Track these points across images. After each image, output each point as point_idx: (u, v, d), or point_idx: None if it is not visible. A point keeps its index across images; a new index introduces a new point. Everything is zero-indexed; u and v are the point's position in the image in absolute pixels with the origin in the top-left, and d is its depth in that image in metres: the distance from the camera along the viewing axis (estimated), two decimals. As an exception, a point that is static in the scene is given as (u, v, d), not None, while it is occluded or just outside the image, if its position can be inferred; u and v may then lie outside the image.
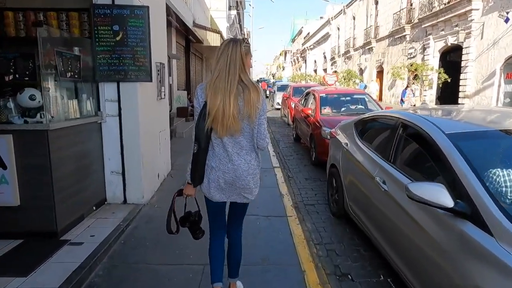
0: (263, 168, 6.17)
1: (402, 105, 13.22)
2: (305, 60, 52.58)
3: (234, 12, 22.06)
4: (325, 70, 41.47)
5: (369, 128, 3.98)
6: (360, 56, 29.39)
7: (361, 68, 28.58)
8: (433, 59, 18.00)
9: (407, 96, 13.40)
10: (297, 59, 59.86)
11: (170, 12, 9.21)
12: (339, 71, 33.00)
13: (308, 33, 50.62)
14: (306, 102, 8.44)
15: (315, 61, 46.90)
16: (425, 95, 18.62)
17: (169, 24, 10.34)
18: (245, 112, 1.99)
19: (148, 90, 4.32)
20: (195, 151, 2.06)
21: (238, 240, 2.41)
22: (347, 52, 32.18)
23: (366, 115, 4.22)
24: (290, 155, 7.99)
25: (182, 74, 12.98)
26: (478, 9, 14.30)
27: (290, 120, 12.75)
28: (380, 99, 24.83)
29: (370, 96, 8.02)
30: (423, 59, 18.87)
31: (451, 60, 17.94)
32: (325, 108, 7.37)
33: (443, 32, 16.96)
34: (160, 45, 4.89)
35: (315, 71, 44.91)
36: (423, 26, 18.42)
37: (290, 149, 8.65)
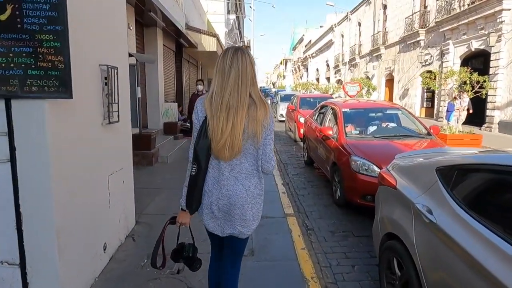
0: (272, 218, 4.05)
1: (449, 122, 11.01)
2: (307, 69, 51.07)
3: (233, 16, 20.47)
4: (328, 78, 39.87)
5: (480, 185, 2.14)
6: (367, 64, 27.75)
7: (368, 77, 26.87)
8: (453, 66, 16.26)
9: (456, 110, 10.95)
10: (298, 67, 58.39)
11: (153, 7, 7.47)
12: (347, 79, 31.34)
13: (310, 41, 49.18)
14: (323, 118, 6.62)
15: (317, 70, 45.37)
16: (444, 106, 16.82)
17: (152, 23, 8.60)
18: (250, 130, 1.74)
19: (77, 111, 2.50)
20: (193, 173, 1.79)
21: (234, 278, 2.03)
22: (352, 59, 30.58)
23: (464, 158, 2.37)
24: (303, 187, 6.13)
25: (171, 83, 11.20)
26: (509, 9, 12.60)
27: (297, 135, 10.96)
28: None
29: (407, 111, 6.19)
30: (441, 66, 17.15)
31: (473, 67, 16.20)
32: (350, 128, 5.55)
33: (465, 36, 15.26)
34: (109, 35, 3.10)
35: (318, 79, 43.33)
36: (440, 30, 16.76)
37: (302, 177, 6.80)
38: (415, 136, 5.38)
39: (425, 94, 19.90)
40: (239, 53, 1.76)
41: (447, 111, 11.55)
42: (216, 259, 2.11)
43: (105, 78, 2.92)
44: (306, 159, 7.72)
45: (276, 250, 3.51)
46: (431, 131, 5.51)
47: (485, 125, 13.70)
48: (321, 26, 46.97)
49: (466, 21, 14.72)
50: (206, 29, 14.45)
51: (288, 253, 3.49)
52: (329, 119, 6.41)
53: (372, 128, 5.68)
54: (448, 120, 11.15)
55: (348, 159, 4.74)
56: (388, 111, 5.99)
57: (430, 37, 18.33)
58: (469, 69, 9.87)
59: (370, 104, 6.46)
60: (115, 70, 3.06)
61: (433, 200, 2.29)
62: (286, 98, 17.10)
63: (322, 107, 7.26)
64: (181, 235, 1.97)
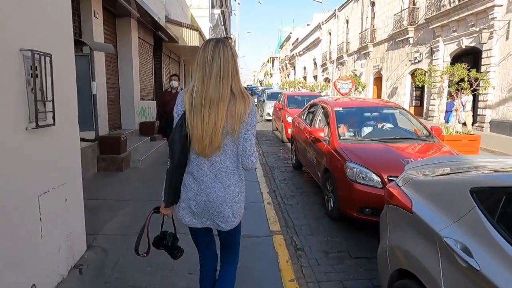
0: (255, 238, 3.80)
1: (448, 123, 10.35)
2: (294, 67, 50.65)
3: (218, 11, 19.68)
4: (315, 77, 39.48)
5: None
6: (354, 62, 27.38)
7: (356, 75, 26.50)
8: (443, 64, 15.91)
9: (454, 109, 10.32)
10: (286, 65, 57.92)
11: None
12: (335, 77, 30.95)
13: (297, 39, 48.72)
14: (313, 118, 5.99)
15: (304, 68, 44.96)
16: (433, 104, 16.50)
17: (126, 13, 7.81)
18: (228, 126, 1.67)
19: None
20: (168, 167, 1.75)
21: (228, 276, 1.98)
22: (340, 57, 30.18)
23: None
24: (291, 195, 5.49)
25: (149, 80, 10.40)
26: (501, 5, 12.26)
27: (285, 136, 10.34)
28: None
29: (405, 110, 5.61)
30: (430, 63, 16.79)
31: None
32: (343, 129, 4.93)
33: (455, 34, 14.92)
34: (37, 10, 2.36)
35: (305, 78, 42.91)
36: (430, 27, 16.40)
37: (290, 183, 6.17)
38: (416, 139, 4.80)
39: (414, 92, 19.58)
40: (220, 45, 1.67)
41: (446, 111, 10.99)
42: (207, 260, 2.03)
43: (30, 68, 2.19)
44: (294, 162, 7.09)
45: (258, 284, 2.84)
46: (433, 132, 4.94)
47: (476, 124, 13.37)
48: (308, 25, 46.53)
49: (456, 17, 14.36)
50: (190, 24, 13.66)
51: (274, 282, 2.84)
52: (320, 119, 5.78)
53: (367, 130, 5.08)
54: (447, 121, 10.57)
55: (343, 166, 4.11)
56: (384, 111, 5.40)
57: (419, 35, 17.98)
58: (466, 65, 9.39)
59: (364, 103, 5.85)
60: (48, 58, 2.33)
61: (471, 235, 1.66)
62: (273, 96, 16.46)
63: (311, 106, 6.63)
64: (166, 224, 1.98)
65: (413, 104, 19.68)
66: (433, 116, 16.49)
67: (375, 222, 3.86)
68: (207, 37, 17.58)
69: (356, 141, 4.62)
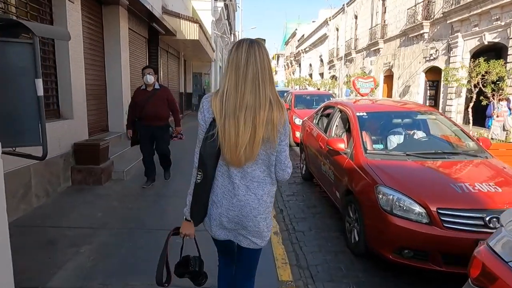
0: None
1: (489, 127, 9.22)
2: (300, 64, 49.52)
3: (221, 4, 18.68)
4: (321, 74, 38.37)
5: None
6: (363, 59, 26.25)
7: (364, 72, 25.40)
8: (463, 62, 14.80)
9: (501, 112, 8.96)
10: (291, 62, 56.79)
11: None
12: (342, 75, 29.84)
13: (303, 35, 47.55)
14: (328, 123, 4.99)
15: (310, 65, 43.83)
16: (451, 105, 15.41)
17: (113, 0, 6.86)
18: (265, 134, 1.54)
19: None
20: (198, 181, 1.59)
21: None
22: (348, 54, 29.04)
23: None
24: (302, 217, 4.52)
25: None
26: (532, -3, 11.14)
27: (292, 139, 9.37)
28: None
29: (445, 117, 4.58)
30: (447, 61, 15.69)
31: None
32: (369, 140, 3.93)
33: (477, 28, 13.80)
34: None
35: (311, 75, 41.80)
36: (448, 22, 15.27)
37: (299, 200, 5.20)
38: (463, 154, 3.79)
39: (428, 91, 18.47)
40: (255, 46, 1.53)
41: (487, 117, 9.76)
42: (226, 265, 1.92)
43: None
44: (304, 172, 6.11)
45: None
46: (480, 143, 3.95)
47: None
48: (313, 21, 45.33)
49: (478, 11, 13.24)
50: (190, 16, 12.68)
51: None
52: (337, 125, 4.80)
53: (397, 140, 4.08)
54: (488, 127, 9.35)
55: (373, 191, 3.13)
56: (420, 116, 4.39)
57: (436, 30, 16.85)
58: (502, 61, 8.33)
59: (393, 106, 4.79)
60: None
61: None
62: (279, 95, 15.46)
63: (325, 108, 5.64)
64: (185, 247, 1.79)
65: (427, 104, 18.56)
66: (450, 117, 15.38)
67: (420, 268, 2.91)
68: (209, 31, 16.60)
69: (387, 156, 3.62)
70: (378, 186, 3.12)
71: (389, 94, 22.08)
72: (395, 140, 4.10)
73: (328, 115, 5.44)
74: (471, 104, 9.28)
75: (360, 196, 3.35)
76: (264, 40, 1.72)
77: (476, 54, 14.54)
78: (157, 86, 5.00)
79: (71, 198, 4.58)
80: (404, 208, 2.94)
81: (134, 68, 8.47)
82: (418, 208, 2.89)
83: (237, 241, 1.71)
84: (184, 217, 1.68)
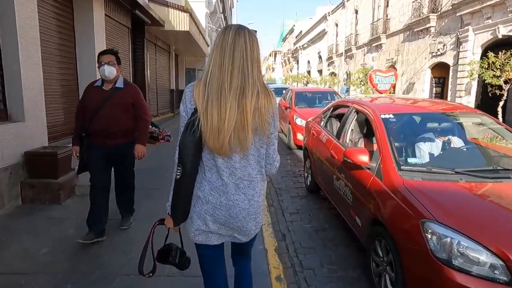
0: None
1: None
2: (297, 61, 48.56)
3: (215, -4, 17.66)
4: (320, 71, 37.43)
5: None
6: (364, 55, 25.29)
7: (366, 68, 24.47)
8: (472, 57, 13.88)
9: None
10: (288, 59, 55.81)
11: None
12: (342, 72, 28.92)
13: (301, 32, 46.53)
14: (342, 127, 4.01)
15: (308, 62, 42.83)
16: (460, 103, 14.47)
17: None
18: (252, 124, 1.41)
19: None
20: (178, 176, 1.47)
21: (245, 269, 1.83)
22: (348, 50, 28.06)
23: None
24: (311, 246, 3.54)
25: (125, 71, 8.41)
26: (553, -15, 10.21)
27: (292, 141, 8.44)
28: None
29: (492, 119, 3.59)
30: (456, 56, 14.77)
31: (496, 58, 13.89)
32: (401, 151, 2.96)
33: (489, 21, 12.86)
34: None
35: (309, 72, 40.85)
36: (457, 15, 14.32)
37: (305, 220, 4.24)
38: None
39: (434, 89, 17.56)
40: (244, 30, 1.42)
41: None
42: (218, 279, 1.73)
43: None
44: (309, 183, 5.14)
45: None
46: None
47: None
48: (310, 18, 44.29)
49: (492, 2, 12.30)
50: (180, 5, 11.64)
51: None
52: (352, 129, 3.84)
53: (434, 150, 3.12)
54: None
55: (419, 228, 2.17)
56: (461, 119, 3.41)
57: (443, 23, 15.90)
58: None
59: (425, 107, 3.77)
60: None
61: None
62: (277, 92, 14.46)
63: (335, 107, 4.68)
64: (170, 236, 1.68)
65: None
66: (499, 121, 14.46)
67: None
68: (203, 24, 15.57)
69: (431, 175, 2.65)
70: (426, 222, 2.16)
71: (393, 91, 21.15)
72: (426, 149, 3.13)
73: (338, 117, 4.49)
74: (501, 103, 8.28)
75: (396, 233, 2.38)
76: (255, 31, 1.50)
77: (488, 49, 13.65)
78: (120, 84, 3.21)
79: (15, 224, 3.58)
80: (469, 257, 1.99)
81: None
82: (491, 259, 1.94)
83: (221, 241, 1.59)
84: (167, 212, 1.58)
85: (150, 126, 9.13)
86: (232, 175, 1.45)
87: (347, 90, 26.11)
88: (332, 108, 4.72)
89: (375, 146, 3.74)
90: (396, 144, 2.95)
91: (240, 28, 1.42)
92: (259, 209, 1.55)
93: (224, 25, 28.06)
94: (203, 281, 1.71)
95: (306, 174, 5.32)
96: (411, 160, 2.81)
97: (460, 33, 14.39)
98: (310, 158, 4.94)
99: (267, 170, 1.55)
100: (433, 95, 17.63)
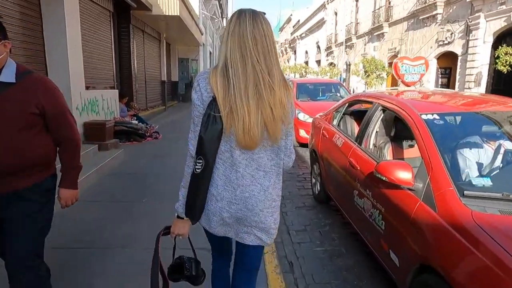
0: None
1: None
2: (295, 51, 47.51)
3: (210, -19, 16.62)
4: (318, 61, 36.48)
5: None
6: (365, 45, 24.38)
7: (366, 59, 23.60)
8: (484, 45, 13.09)
9: None
10: (285, 49, 54.68)
11: None
12: (341, 62, 28.00)
13: (298, 21, 45.36)
14: (365, 129, 3.17)
15: (306, 52, 41.82)
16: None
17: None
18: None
19: None
20: (198, 170, 1.33)
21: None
22: (348, 39, 27.10)
23: None
24: (326, 282, 2.78)
25: (107, 61, 7.50)
26: None
27: (295, 139, 7.67)
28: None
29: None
30: (465, 45, 13.94)
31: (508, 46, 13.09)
32: (460, 167, 2.16)
33: (503, 7, 12.01)
34: None
35: (306, 62, 39.86)
36: (467, 0, 13.45)
37: (315, 242, 3.46)
38: None
39: (440, 79, 16.77)
40: (260, 18, 1.34)
41: None
42: (221, 266, 1.73)
43: None
44: (317, 192, 4.35)
45: None
46: None
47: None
48: (307, 8, 43.10)
49: (506, -15, 11.45)
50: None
51: None
52: (377, 131, 3.04)
53: (493, 161, 2.31)
54: None
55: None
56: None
57: (451, 10, 15.03)
58: None
59: (479, 103, 2.85)
60: None
61: None
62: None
63: (351, 103, 3.86)
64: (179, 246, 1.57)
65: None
66: None
67: None
68: (196, 11, 14.58)
69: (508, 205, 1.84)
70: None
71: (394, 83, 20.33)
72: (490, 163, 2.31)
73: (357, 115, 3.69)
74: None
75: (465, 294, 1.59)
76: (264, 13, 1.40)
77: (500, 37, 12.84)
78: (8, 75, 1.62)
79: None
80: None
81: (90, 49, 6.58)
82: None
83: (239, 238, 1.50)
84: (176, 214, 1.45)
85: (137, 122, 8.26)
86: (249, 166, 1.38)
87: (344, 80, 25.26)
88: (347, 104, 3.90)
89: (408, 153, 2.95)
90: (450, 156, 2.15)
91: (255, 15, 1.34)
92: (275, 203, 1.48)
93: (220, 13, 26.97)
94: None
95: (313, 181, 4.52)
96: (476, 181, 2.01)
97: (470, 20, 13.53)
98: (320, 164, 4.13)
99: (285, 162, 1.49)
100: (439, 86, 16.84)
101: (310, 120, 7.58)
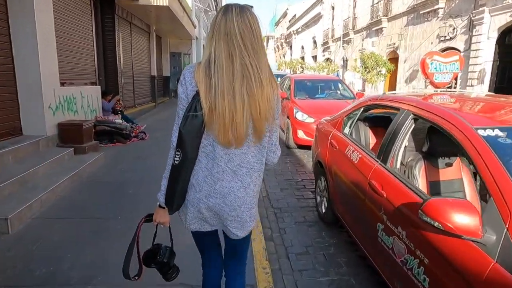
0: None
1: None
2: (291, 46, 46.79)
3: (203, -29, 15.83)
4: (314, 57, 35.85)
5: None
6: (363, 40, 23.79)
7: (365, 54, 23.01)
8: (487, 41, 12.56)
9: None
10: (281, 44, 53.89)
11: None
12: (338, 57, 27.41)
13: (295, 15, 44.60)
14: (390, 141, 2.55)
15: (302, 47, 41.12)
16: (471, 92, 13.19)
17: None
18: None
19: None
20: (176, 162, 1.37)
21: (239, 282, 1.72)
22: (345, 35, 26.46)
23: None
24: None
25: (88, 55, 6.76)
26: None
27: (292, 140, 7.09)
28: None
29: None
30: (468, 41, 13.41)
31: (510, 43, 12.59)
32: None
33: (509, 1, 11.46)
34: None
35: (303, 58, 39.17)
36: (472, -6, 12.91)
37: (319, 264, 2.91)
38: None
39: (441, 77, 16.25)
40: (247, 13, 1.32)
41: None
42: (211, 267, 1.72)
43: None
44: (324, 210, 3.73)
45: None
46: None
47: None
48: (303, 2, 42.30)
49: (515, -21, 10.90)
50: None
51: None
52: (405, 146, 2.44)
53: None
54: None
55: None
56: None
57: (453, 5, 14.46)
58: None
59: None
60: None
61: None
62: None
63: (366, 107, 3.25)
64: (160, 236, 1.59)
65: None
66: None
67: None
68: (189, 3, 13.81)
69: None
70: None
71: (393, 80, 19.81)
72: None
73: (375, 122, 3.08)
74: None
75: None
76: (252, 7, 1.37)
77: (505, 32, 12.33)
78: None
79: None
80: None
81: (68, 41, 5.87)
82: None
83: (214, 226, 1.52)
84: (158, 203, 1.47)
85: (121, 121, 7.56)
86: (231, 161, 1.39)
87: (338, 76, 24.69)
88: (362, 109, 3.27)
89: (445, 174, 2.36)
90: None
91: (243, 11, 1.31)
92: (254, 199, 1.49)
93: (214, 5, 26.11)
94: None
95: (318, 198, 3.91)
96: None
97: (474, 15, 12.98)
98: (327, 178, 3.52)
99: (269, 158, 1.51)
100: (439, 83, 16.36)
101: (308, 120, 6.99)
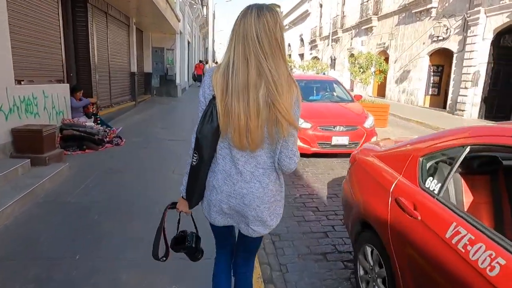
0: None
1: None
2: (277, 44, 46.06)
3: (188, -38, 14.94)
4: (301, 55, 35.41)
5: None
6: (352, 39, 23.39)
7: (353, 54, 22.59)
8: (482, 43, 12.24)
9: None
10: (267, 42, 53.15)
11: None
12: (326, 56, 26.91)
13: (282, 12, 43.88)
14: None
15: (289, 45, 40.62)
16: (465, 95, 12.87)
17: None
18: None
19: None
20: (194, 163, 1.43)
21: (246, 284, 1.76)
22: (334, 33, 26.02)
23: None
24: None
25: (53, 48, 5.85)
26: None
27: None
28: (383, 95, 19.05)
29: None
30: (462, 42, 13.07)
31: (505, 45, 12.34)
32: None
33: (506, 1, 11.13)
34: None
35: (289, 56, 38.63)
36: (467, -7, 12.55)
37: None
38: None
39: (432, 77, 15.95)
40: (266, 14, 1.27)
41: None
42: (222, 260, 1.77)
43: None
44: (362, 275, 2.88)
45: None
46: None
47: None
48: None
49: (512, -22, 10.56)
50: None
51: None
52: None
53: None
54: None
55: None
56: None
57: (447, 4, 14.10)
58: None
59: None
60: None
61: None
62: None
63: (474, 147, 1.78)
64: (183, 222, 1.66)
65: (430, 93, 16.07)
66: (463, 110, 12.89)
67: None
68: (172, -6, 12.90)
69: None
70: None
71: (383, 81, 19.43)
72: None
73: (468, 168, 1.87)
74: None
75: None
76: (279, 6, 1.34)
77: (500, 34, 12.03)
78: None
79: None
80: None
81: (27, 32, 5.00)
82: None
83: (239, 227, 1.56)
84: (181, 195, 1.57)
85: (94, 125, 6.64)
86: (248, 163, 1.40)
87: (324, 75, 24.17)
88: (467, 149, 1.83)
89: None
90: None
91: (262, 13, 1.27)
92: (273, 198, 1.47)
93: (200, 2, 25.15)
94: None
95: (363, 284, 2.45)
96: None
97: (469, 15, 12.63)
98: (385, 260, 2.11)
99: (284, 164, 1.41)
100: (431, 84, 16.04)
101: (305, 125, 6.33)
